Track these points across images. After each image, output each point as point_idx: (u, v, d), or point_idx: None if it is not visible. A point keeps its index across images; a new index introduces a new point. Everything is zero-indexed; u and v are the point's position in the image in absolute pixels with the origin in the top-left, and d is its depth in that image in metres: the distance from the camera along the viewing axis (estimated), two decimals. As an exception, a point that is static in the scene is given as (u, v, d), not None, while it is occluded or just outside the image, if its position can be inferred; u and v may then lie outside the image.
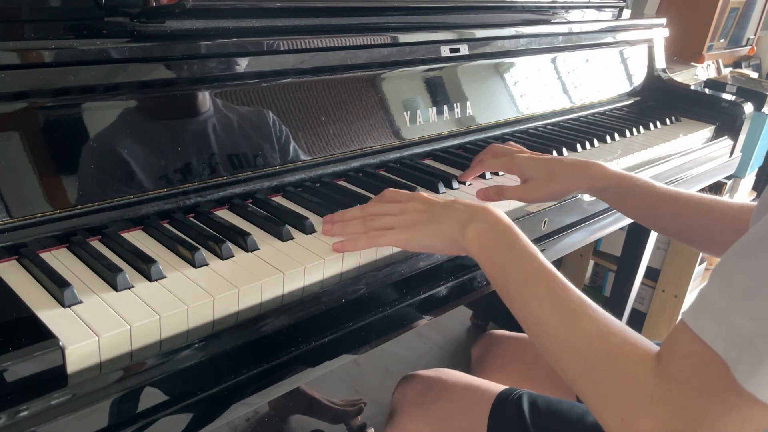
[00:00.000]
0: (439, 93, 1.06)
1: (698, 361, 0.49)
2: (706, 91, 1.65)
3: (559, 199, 0.96)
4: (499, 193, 0.90)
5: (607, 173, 0.88)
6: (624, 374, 0.53)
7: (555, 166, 0.89)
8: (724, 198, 0.85)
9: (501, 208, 0.91)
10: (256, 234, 0.73)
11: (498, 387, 0.89)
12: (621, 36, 1.46)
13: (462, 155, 1.07)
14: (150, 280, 0.62)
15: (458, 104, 1.08)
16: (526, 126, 1.23)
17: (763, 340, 0.46)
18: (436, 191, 0.91)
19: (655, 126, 1.38)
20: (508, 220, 0.68)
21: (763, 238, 0.49)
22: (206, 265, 0.66)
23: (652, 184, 0.88)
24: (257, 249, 0.70)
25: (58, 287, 0.57)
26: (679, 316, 0.55)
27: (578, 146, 1.17)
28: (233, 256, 0.68)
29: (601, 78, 1.44)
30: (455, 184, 0.94)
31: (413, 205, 0.73)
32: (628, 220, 1.19)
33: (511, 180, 0.99)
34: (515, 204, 0.95)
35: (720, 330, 0.48)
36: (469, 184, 0.96)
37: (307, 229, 0.75)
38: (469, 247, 0.68)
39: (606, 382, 0.54)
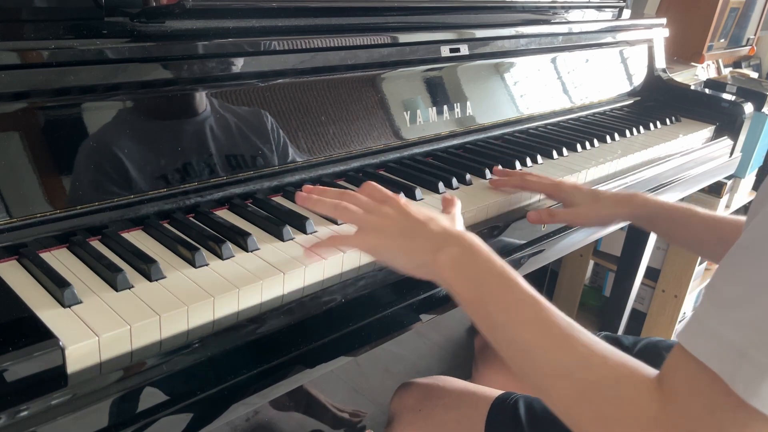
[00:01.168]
0: (439, 93, 1.06)
1: (698, 382, 0.47)
2: (706, 91, 1.65)
3: (606, 225, 0.98)
4: (550, 215, 0.93)
5: (650, 202, 0.91)
6: (625, 398, 0.50)
7: (599, 194, 0.94)
8: None
9: (503, 208, 0.92)
10: (256, 234, 0.73)
11: (494, 392, 0.89)
12: (621, 36, 1.46)
13: (462, 155, 1.07)
14: (150, 280, 0.62)
15: (458, 104, 1.08)
16: (526, 126, 1.23)
17: (757, 350, 0.44)
18: (437, 191, 0.91)
19: (655, 126, 1.38)
20: (483, 245, 0.64)
21: (748, 247, 0.48)
22: (206, 265, 0.66)
23: (694, 210, 0.89)
24: (257, 249, 0.70)
25: (58, 287, 0.57)
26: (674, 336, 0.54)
27: (578, 146, 1.17)
28: (233, 256, 0.68)
29: (601, 78, 1.44)
30: (455, 184, 0.94)
31: (386, 209, 0.67)
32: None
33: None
34: (515, 204, 0.95)
35: (712, 346, 0.46)
36: (470, 183, 0.96)
37: (307, 229, 0.75)
38: (441, 272, 0.63)
39: (606, 407, 0.51)
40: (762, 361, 0.44)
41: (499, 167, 0.99)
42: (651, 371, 0.52)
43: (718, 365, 0.46)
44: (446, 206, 0.75)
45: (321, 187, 0.74)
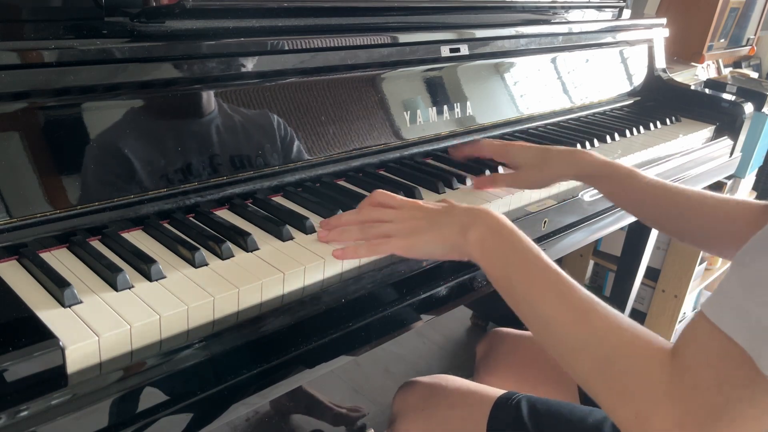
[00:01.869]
0: (439, 93, 1.06)
1: (717, 352, 0.48)
2: (706, 91, 1.65)
3: (549, 185, 0.97)
4: (493, 181, 0.95)
5: (594, 160, 0.91)
6: (638, 370, 0.52)
7: (545, 153, 0.93)
8: (716, 193, 0.85)
9: (501, 208, 0.92)
10: (256, 234, 0.73)
11: (497, 392, 0.90)
12: (621, 36, 1.46)
13: (462, 155, 1.07)
14: (150, 280, 0.62)
15: (458, 104, 1.08)
16: (526, 126, 1.23)
17: None
18: (437, 191, 0.91)
19: (655, 126, 1.38)
20: (509, 222, 0.68)
21: None
22: (206, 265, 0.66)
23: (635, 172, 0.90)
24: (257, 249, 0.70)
25: (58, 287, 0.57)
26: (697, 308, 0.54)
27: (578, 146, 1.17)
28: (233, 256, 0.68)
29: (601, 78, 1.44)
30: (455, 184, 0.94)
31: (410, 212, 0.72)
32: (628, 220, 1.19)
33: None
34: (515, 204, 0.95)
35: (741, 321, 0.47)
36: (470, 184, 0.96)
37: (307, 229, 0.75)
38: (472, 251, 0.67)
39: (620, 379, 0.53)
40: None
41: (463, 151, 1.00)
42: (666, 342, 0.53)
43: (746, 340, 0.46)
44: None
45: (333, 218, 0.76)
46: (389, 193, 0.75)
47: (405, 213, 0.71)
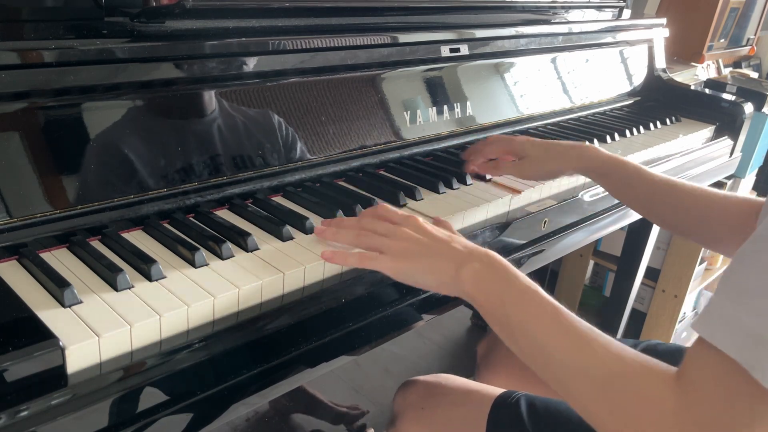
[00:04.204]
0: (439, 93, 1.06)
1: (717, 370, 0.47)
2: (706, 91, 1.65)
3: (553, 178, 0.97)
4: (496, 167, 0.95)
5: (599, 155, 0.91)
6: (643, 391, 0.51)
7: (551, 146, 0.94)
8: (723, 191, 0.85)
9: (501, 208, 0.92)
10: (256, 234, 0.73)
11: (497, 390, 0.90)
12: (621, 36, 1.46)
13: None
14: (150, 280, 0.62)
15: (458, 104, 1.08)
16: (526, 126, 1.23)
17: None
18: (436, 191, 0.91)
19: (655, 126, 1.38)
20: (504, 260, 0.66)
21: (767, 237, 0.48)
22: (206, 265, 0.66)
23: (642, 169, 0.89)
24: (257, 249, 0.70)
25: (58, 287, 0.57)
26: (697, 309, 0.53)
27: (578, 146, 1.17)
28: (233, 256, 0.68)
29: (601, 78, 1.44)
30: (455, 184, 0.94)
31: (407, 232, 0.69)
32: (629, 220, 1.19)
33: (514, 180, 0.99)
34: (515, 204, 0.95)
35: (731, 334, 0.46)
36: (470, 183, 0.96)
37: (307, 229, 0.75)
38: (465, 286, 0.65)
39: (623, 401, 0.52)
40: None
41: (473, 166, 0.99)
42: (669, 368, 0.52)
43: (738, 353, 0.46)
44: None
45: (336, 219, 0.76)
46: (393, 208, 0.74)
47: (402, 232, 0.69)
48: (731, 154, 1.46)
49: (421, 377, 0.99)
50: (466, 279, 0.65)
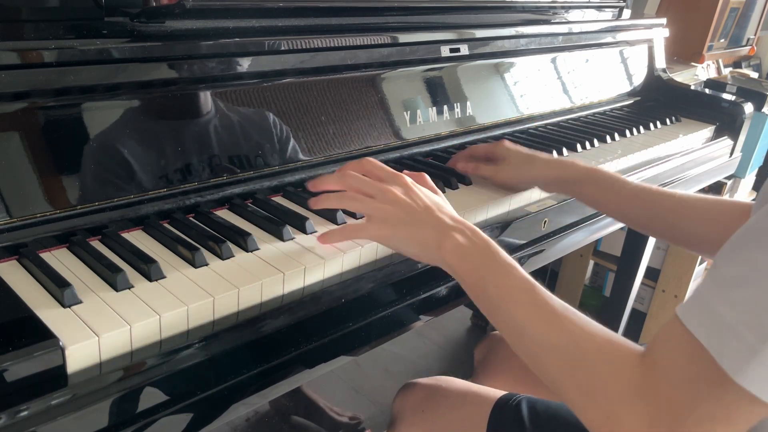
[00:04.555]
0: (439, 93, 1.06)
1: (684, 352, 0.48)
2: (706, 91, 1.65)
3: (528, 187, 0.96)
4: (475, 168, 0.95)
5: (578, 165, 0.92)
6: (609, 371, 0.52)
7: (532, 154, 0.95)
8: (705, 195, 0.85)
9: (501, 208, 0.92)
10: (256, 234, 0.73)
11: (497, 393, 0.89)
12: (621, 36, 1.46)
13: (462, 155, 1.07)
14: (150, 280, 0.62)
15: (458, 104, 1.08)
16: (526, 126, 1.23)
17: (749, 330, 0.45)
18: (436, 191, 0.91)
19: (655, 126, 1.38)
20: (486, 236, 0.68)
21: (757, 230, 0.49)
22: (206, 265, 0.66)
23: (621, 178, 0.89)
24: (257, 249, 0.70)
25: (58, 287, 0.57)
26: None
27: (578, 146, 1.17)
28: (233, 256, 0.68)
29: (601, 78, 1.44)
30: (455, 184, 0.94)
31: (394, 193, 0.69)
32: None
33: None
34: (515, 204, 0.95)
35: (704, 320, 0.48)
36: (471, 183, 0.96)
37: (307, 229, 0.75)
38: (447, 257, 0.66)
39: (590, 380, 0.53)
40: (751, 340, 0.45)
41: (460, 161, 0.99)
42: (638, 347, 0.53)
43: (706, 338, 0.47)
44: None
45: (319, 178, 0.76)
46: (379, 163, 0.74)
47: (389, 194, 0.69)
48: (731, 154, 1.46)
49: (421, 380, 0.99)
50: (448, 250, 0.66)
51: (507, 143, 0.97)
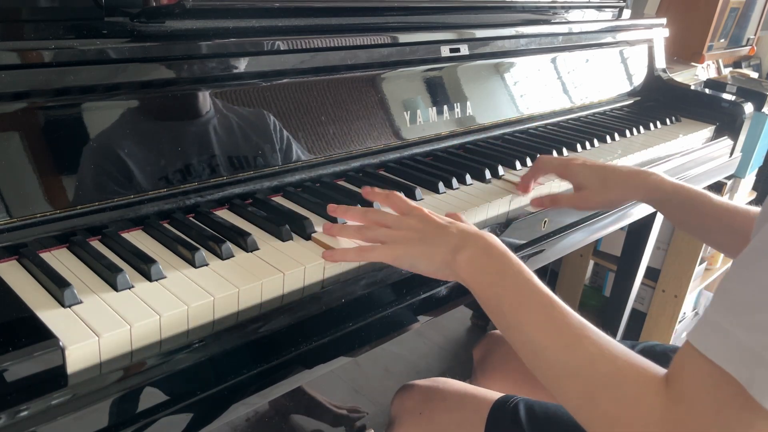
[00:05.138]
0: (439, 93, 1.06)
1: (709, 381, 0.47)
2: (706, 91, 1.65)
3: (616, 207, 0.95)
4: (553, 201, 0.92)
5: (665, 184, 0.88)
6: (632, 397, 0.51)
7: (609, 174, 0.89)
8: None
9: (502, 208, 0.92)
10: (256, 234, 0.73)
11: (495, 394, 0.89)
12: (621, 36, 1.46)
13: (462, 155, 1.07)
14: (150, 280, 0.62)
15: (458, 104, 1.08)
16: (526, 126, 1.23)
17: None
18: (436, 191, 0.91)
19: (655, 126, 1.38)
20: (502, 245, 0.66)
21: (763, 250, 0.48)
22: (206, 265, 0.66)
23: (708, 196, 0.86)
24: (257, 249, 0.70)
25: (58, 287, 0.57)
26: (697, 310, 0.53)
27: (578, 146, 1.17)
28: (233, 256, 0.68)
29: (601, 78, 1.44)
30: (455, 184, 0.94)
31: (409, 221, 0.70)
32: (628, 220, 1.19)
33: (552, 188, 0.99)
34: (515, 204, 0.95)
35: (727, 348, 0.46)
36: (470, 183, 0.96)
37: (307, 229, 0.75)
38: (460, 272, 0.65)
39: (613, 406, 0.52)
40: None
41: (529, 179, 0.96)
42: (660, 371, 0.52)
43: (734, 367, 0.45)
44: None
45: (341, 211, 0.75)
46: (406, 199, 0.74)
47: (404, 222, 0.70)
48: (731, 154, 1.46)
49: (418, 381, 0.99)
50: (461, 265, 0.65)
51: (577, 164, 0.92)
